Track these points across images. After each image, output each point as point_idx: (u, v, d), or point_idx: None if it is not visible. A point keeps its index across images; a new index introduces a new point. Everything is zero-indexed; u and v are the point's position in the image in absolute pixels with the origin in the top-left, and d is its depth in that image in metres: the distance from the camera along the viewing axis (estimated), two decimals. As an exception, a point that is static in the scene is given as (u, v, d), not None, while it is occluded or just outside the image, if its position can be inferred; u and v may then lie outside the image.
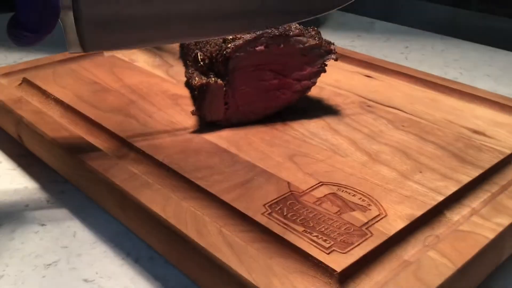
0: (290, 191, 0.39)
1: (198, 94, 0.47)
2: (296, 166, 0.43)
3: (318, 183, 0.40)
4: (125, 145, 0.46)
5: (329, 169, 0.42)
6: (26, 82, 0.57)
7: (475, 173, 0.42)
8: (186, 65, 0.56)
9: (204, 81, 0.47)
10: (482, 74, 0.76)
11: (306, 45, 0.49)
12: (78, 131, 0.48)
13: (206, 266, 0.34)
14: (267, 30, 0.47)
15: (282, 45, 0.48)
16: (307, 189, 0.40)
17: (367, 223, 0.36)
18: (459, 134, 0.48)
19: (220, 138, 0.47)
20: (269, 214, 0.37)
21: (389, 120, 0.51)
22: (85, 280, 0.37)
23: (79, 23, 0.41)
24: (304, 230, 0.35)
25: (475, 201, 0.40)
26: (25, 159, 0.51)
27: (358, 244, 0.34)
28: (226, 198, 0.38)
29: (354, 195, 0.39)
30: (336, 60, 0.50)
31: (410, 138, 0.47)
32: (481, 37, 0.91)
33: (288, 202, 0.38)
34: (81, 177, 0.45)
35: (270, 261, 0.33)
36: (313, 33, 0.50)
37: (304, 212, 0.37)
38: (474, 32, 1.00)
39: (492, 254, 0.36)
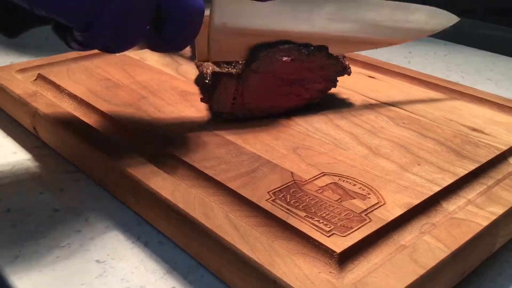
0: (293, 180, 0.41)
1: (209, 82, 0.49)
2: (300, 157, 0.44)
3: (320, 173, 0.42)
4: (136, 137, 0.48)
5: (331, 161, 0.44)
6: (41, 77, 0.60)
7: (471, 166, 0.44)
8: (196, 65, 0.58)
9: (217, 69, 0.49)
10: (483, 79, 0.78)
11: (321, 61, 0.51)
12: (91, 123, 0.50)
13: (212, 247, 0.36)
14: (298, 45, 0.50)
15: (307, 61, 0.50)
16: (310, 179, 0.41)
17: (366, 210, 0.38)
18: (458, 131, 0.50)
19: (227, 131, 0.49)
20: (273, 200, 0.38)
21: (390, 117, 0.53)
22: (97, 261, 0.39)
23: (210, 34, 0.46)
24: (306, 215, 0.37)
25: (471, 193, 0.41)
26: (40, 150, 0.53)
27: (357, 229, 0.36)
28: (232, 185, 0.40)
29: (354, 185, 0.41)
30: (349, 75, 0.53)
31: (410, 134, 0.49)
32: (484, 44, 0.93)
33: (291, 190, 0.40)
34: (93, 166, 0.47)
35: (273, 243, 0.35)
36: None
37: (306, 199, 0.39)
38: (477, 39, 1.02)
39: (485, 241, 0.38)
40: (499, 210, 0.39)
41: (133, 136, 0.48)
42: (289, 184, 0.41)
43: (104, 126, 0.50)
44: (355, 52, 0.71)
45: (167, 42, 0.41)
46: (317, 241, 0.34)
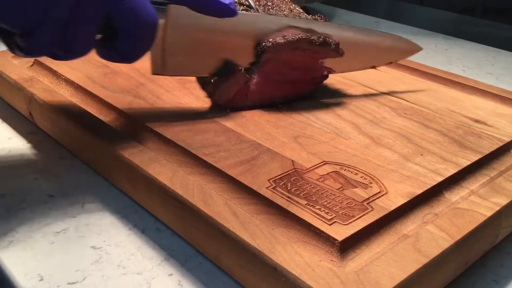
0: (294, 168, 0.40)
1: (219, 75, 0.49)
2: (300, 146, 0.44)
3: (322, 162, 0.41)
4: (134, 123, 0.47)
5: (332, 150, 0.44)
6: (38, 63, 0.58)
7: (474, 157, 0.43)
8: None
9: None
10: (484, 73, 0.77)
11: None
12: (88, 109, 0.49)
13: (211, 234, 0.35)
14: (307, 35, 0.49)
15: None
16: (311, 167, 0.41)
17: (368, 199, 0.37)
18: (460, 122, 0.49)
19: (227, 119, 0.48)
20: (273, 188, 0.38)
21: (392, 108, 0.52)
22: (93, 247, 0.38)
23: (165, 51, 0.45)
24: (307, 203, 0.36)
25: (473, 184, 0.41)
26: (36, 136, 0.52)
27: (359, 217, 0.35)
28: (231, 173, 0.39)
29: (356, 174, 0.40)
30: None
31: (412, 124, 0.49)
32: (484, 39, 0.92)
33: (292, 178, 0.39)
34: (91, 152, 0.46)
35: (273, 231, 0.34)
36: (321, 21, 0.51)
37: (307, 188, 0.38)
38: (478, 35, 1.02)
39: (488, 232, 0.37)
40: (503, 201, 0.38)
41: (130, 122, 0.47)
42: (289, 172, 0.40)
43: (101, 112, 0.49)
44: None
45: (118, 54, 0.41)
46: (318, 229, 0.34)
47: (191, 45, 0.46)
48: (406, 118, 0.50)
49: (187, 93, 0.53)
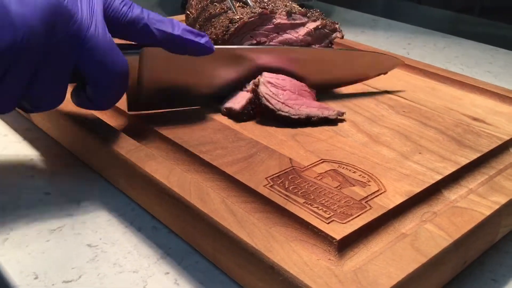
0: (292, 166, 0.40)
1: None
2: (298, 144, 0.43)
3: (319, 160, 0.41)
4: (131, 121, 0.46)
5: (331, 148, 0.43)
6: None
7: (473, 156, 0.43)
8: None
9: None
10: (483, 71, 0.77)
11: (308, 25, 0.50)
12: (85, 106, 0.49)
13: (208, 233, 0.35)
14: (273, 15, 0.49)
15: (283, 21, 0.50)
16: (309, 165, 0.40)
17: (366, 197, 0.37)
18: (459, 120, 0.49)
19: (224, 116, 0.48)
20: (271, 186, 0.37)
21: (390, 105, 0.52)
22: (89, 245, 0.38)
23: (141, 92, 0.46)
24: (305, 202, 0.36)
25: (472, 182, 0.41)
26: (31, 133, 0.52)
27: (357, 216, 0.35)
28: (229, 170, 0.39)
29: (354, 172, 0.40)
30: (342, 37, 0.52)
31: (411, 122, 0.48)
32: (482, 38, 0.92)
33: (290, 176, 0.39)
34: (87, 150, 0.46)
35: (271, 229, 0.34)
36: (316, 14, 0.51)
37: (305, 186, 0.38)
38: (476, 34, 1.02)
39: (487, 231, 0.37)
40: (502, 200, 0.38)
41: (127, 120, 0.47)
42: (287, 170, 0.40)
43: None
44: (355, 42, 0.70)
45: (91, 102, 0.41)
46: (316, 228, 0.33)
47: (166, 84, 0.46)
48: (404, 116, 0.50)
49: (185, 90, 0.52)
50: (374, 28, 0.98)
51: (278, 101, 0.46)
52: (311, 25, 0.50)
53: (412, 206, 0.37)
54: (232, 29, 0.48)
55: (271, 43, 0.50)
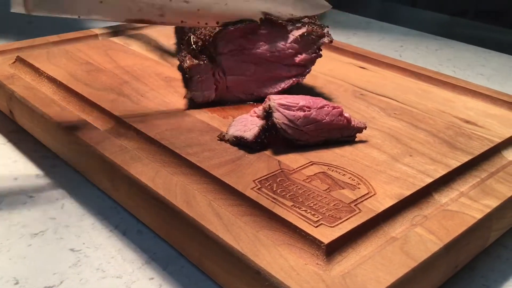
0: (280, 168, 0.39)
1: (188, 76, 0.47)
2: (287, 146, 0.43)
3: (309, 162, 0.40)
4: (116, 122, 0.46)
5: (320, 150, 0.42)
6: (20, 60, 0.57)
7: (464, 158, 0.42)
8: (179, 49, 0.56)
9: (194, 63, 0.47)
10: (475, 73, 0.77)
11: (294, 33, 0.49)
12: (70, 107, 0.48)
13: (194, 237, 0.34)
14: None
15: (269, 30, 0.49)
16: (298, 168, 0.40)
17: (355, 200, 0.36)
18: (451, 123, 0.48)
19: (212, 118, 0.47)
20: (258, 189, 0.37)
21: (381, 108, 0.51)
22: (72, 250, 0.37)
23: None
24: (293, 205, 0.35)
25: (463, 185, 0.40)
26: (16, 135, 0.51)
27: (346, 219, 0.34)
28: (216, 173, 0.38)
29: (344, 175, 0.39)
30: (330, 42, 0.51)
31: (402, 125, 0.48)
32: (476, 42, 0.92)
33: (278, 179, 0.38)
34: (72, 151, 0.45)
35: (258, 233, 0.33)
36: (306, 20, 0.50)
37: (293, 189, 0.37)
38: (469, 37, 1.01)
39: (478, 234, 0.36)
40: (493, 203, 0.37)
41: (113, 121, 0.46)
42: (276, 172, 0.39)
43: (83, 110, 0.48)
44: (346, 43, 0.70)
45: None
46: (304, 232, 0.33)
47: None
48: (395, 118, 0.49)
49: (172, 92, 0.52)
50: (367, 30, 0.97)
51: (297, 128, 0.42)
52: (297, 33, 0.50)
53: (402, 209, 0.36)
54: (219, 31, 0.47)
55: (258, 50, 0.49)
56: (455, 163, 0.41)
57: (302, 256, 0.32)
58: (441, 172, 0.40)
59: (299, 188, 0.37)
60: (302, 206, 0.35)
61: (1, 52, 0.59)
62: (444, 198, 0.38)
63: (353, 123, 0.44)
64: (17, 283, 0.34)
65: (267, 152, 0.41)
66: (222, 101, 0.50)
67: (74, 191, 0.43)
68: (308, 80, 0.54)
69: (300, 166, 0.40)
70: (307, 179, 0.38)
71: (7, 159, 0.48)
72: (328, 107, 0.43)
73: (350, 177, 0.39)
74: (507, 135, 0.46)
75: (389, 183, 0.38)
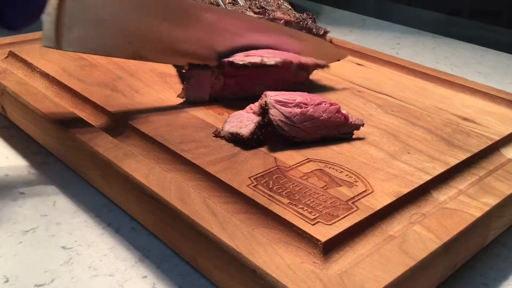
0: (277, 165, 0.39)
1: (187, 77, 0.47)
2: (284, 143, 0.42)
3: (305, 159, 0.40)
4: (110, 118, 0.45)
5: (317, 147, 0.42)
6: (12, 55, 0.56)
7: (463, 156, 0.42)
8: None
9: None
10: (472, 71, 0.76)
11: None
12: (63, 103, 0.47)
13: (188, 234, 0.34)
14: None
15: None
16: (294, 165, 0.39)
17: (353, 198, 0.35)
18: (449, 120, 0.48)
19: (207, 114, 0.46)
20: (254, 186, 0.36)
21: (378, 105, 0.51)
22: (63, 247, 0.36)
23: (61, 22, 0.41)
24: (290, 202, 0.34)
25: (462, 183, 0.39)
26: (8, 131, 0.50)
27: (344, 217, 0.33)
28: (211, 170, 0.38)
29: (341, 172, 0.38)
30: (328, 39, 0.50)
31: (399, 122, 0.47)
32: (471, 40, 0.91)
33: (274, 176, 0.37)
34: (64, 147, 0.44)
35: (253, 231, 0.32)
36: (309, 22, 0.50)
37: (290, 186, 0.36)
38: (465, 36, 1.01)
39: (478, 233, 0.36)
40: (493, 201, 0.37)
41: (106, 116, 0.45)
42: (272, 169, 0.38)
43: (76, 106, 0.47)
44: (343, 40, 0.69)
45: (4, 23, 0.38)
46: (301, 230, 0.32)
47: (93, 20, 0.42)
48: (393, 115, 0.48)
49: (167, 87, 0.51)
50: (363, 27, 0.97)
51: (293, 126, 0.41)
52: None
53: (400, 207, 0.36)
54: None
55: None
56: (453, 161, 0.41)
57: (298, 254, 0.31)
58: (439, 169, 0.39)
59: (295, 186, 0.36)
60: (298, 203, 0.34)
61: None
62: (442, 196, 0.38)
63: (350, 120, 0.43)
64: (7, 281, 0.33)
65: (263, 149, 0.41)
66: (218, 98, 0.49)
67: (66, 188, 0.42)
68: (304, 76, 0.53)
69: (296, 163, 0.39)
70: (303, 176, 0.38)
71: (-2, 155, 0.47)
72: (325, 104, 0.42)
73: (348, 175, 0.38)
74: (506, 133, 0.46)
75: (387, 180, 0.38)
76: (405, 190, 0.37)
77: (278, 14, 0.49)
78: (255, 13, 0.48)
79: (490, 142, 0.44)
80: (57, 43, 0.41)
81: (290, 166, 0.39)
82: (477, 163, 0.42)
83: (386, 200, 0.35)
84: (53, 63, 0.54)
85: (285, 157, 0.40)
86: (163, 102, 0.48)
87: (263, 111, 0.41)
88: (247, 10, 0.50)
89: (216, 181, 0.37)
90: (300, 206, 0.34)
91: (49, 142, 0.46)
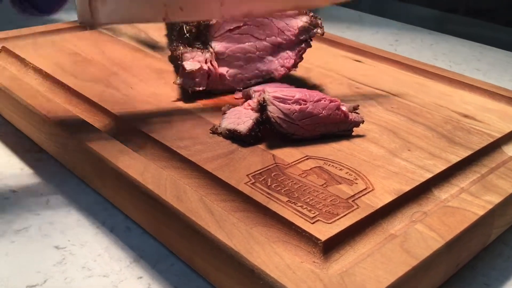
0: (275, 163, 0.38)
1: (180, 62, 0.46)
2: (282, 139, 0.41)
3: (304, 156, 0.39)
4: (104, 114, 0.44)
5: (316, 144, 0.41)
6: (5, 51, 0.55)
7: (464, 153, 0.41)
8: (170, 40, 0.55)
9: (187, 49, 0.46)
10: (471, 68, 0.76)
11: (296, 22, 0.48)
12: (57, 99, 0.46)
13: (184, 233, 0.33)
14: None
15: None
16: (293, 162, 0.38)
17: (353, 196, 0.35)
18: (449, 117, 0.47)
19: (204, 110, 0.45)
20: (252, 184, 0.35)
21: (378, 101, 0.50)
22: (56, 247, 0.35)
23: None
24: (288, 201, 0.34)
25: (464, 181, 0.39)
26: (0, 128, 0.49)
27: (344, 215, 0.33)
28: (208, 167, 0.37)
29: (341, 169, 0.38)
30: (322, 34, 0.49)
31: (399, 119, 0.46)
32: (469, 37, 0.91)
33: (273, 173, 0.37)
34: (57, 145, 0.43)
35: (252, 230, 0.32)
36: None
37: (289, 184, 0.35)
38: (462, 33, 1.00)
39: (480, 231, 0.35)
40: (496, 199, 0.36)
41: (100, 113, 0.44)
42: (270, 167, 0.37)
43: (70, 102, 0.46)
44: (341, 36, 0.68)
45: (36, 6, 0.38)
46: (300, 228, 0.31)
47: None
48: (392, 112, 0.48)
49: (163, 83, 0.50)
50: (360, 24, 0.96)
51: (292, 123, 0.40)
52: (299, 23, 0.48)
53: (401, 205, 0.35)
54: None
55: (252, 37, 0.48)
56: (454, 158, 0.40)
57: (298, 253, 0.30)
58: (440, 167, 0.39)
59: (294, 183, 0.36)
60: (297, 201, 0.34)
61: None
62: (444, 194, 0.37)
63: (350, 117, 0.42)
64: (-2, 282, 0.32)
65: (261, 146, 0.40)
66: (215, 90, 0.48)
67: (59, 186, 0.41)
68: (303, 73, 0.52)
69: (295, 161, 0.38)
70: (302, 173, 0.37)
71: (-10, 152, 0.46)
72: (325, 101, 0.42)
73: (347, 172, 0.37)
74: (507, 130, 0.45)
75: (388, 178, 0.37)
76: (406, 188, 0.36)
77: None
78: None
79: (491, 140, 0.43)
80: (93, 18, 0.41)
81: (289, 164, 0.38)
82: (478, 161, 0.41)
83: (387, 198, 0.35)
84: (47, 58, 0.53)
85: (284, 154, 0.39)
86: (158, 98, 0.47)
87: (261, 108, 0.40)
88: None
89: (213, 179, 0.36)
90: (299, 204, 0.33)
91: (42, 139, 0.45)
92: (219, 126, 0.41)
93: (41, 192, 0.41)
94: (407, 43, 0.85)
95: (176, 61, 0.49)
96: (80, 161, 0.41)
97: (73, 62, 0.53)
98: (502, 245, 0.39)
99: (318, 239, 0.30)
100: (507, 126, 0.46)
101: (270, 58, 0.49)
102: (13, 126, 0.49)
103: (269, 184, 0.35)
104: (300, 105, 0.40)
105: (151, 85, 0.49)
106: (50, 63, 0.52)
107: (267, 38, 0.49)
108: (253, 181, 0.35)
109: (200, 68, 0.46)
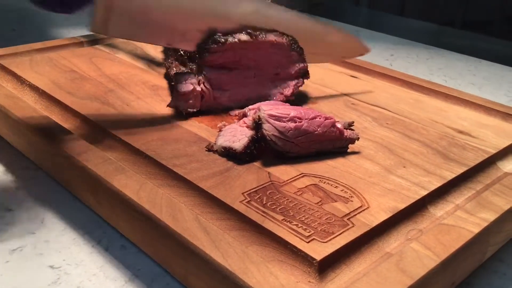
0: (270, 180, 0.38)
1: (174, 83, 0.46)
2: (277, 157, 0.41)
3: (300, 174, 0.39)
4: (100, 132, 0.44)
5: (311, 161, 0.41)
6: (1, 68, 0.55)
7: (459, 170, 0.41)
8: (166, 56, 0.55)
9: (180, 69, 0.46)
10: (466, 83, 0.76)
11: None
12: (53, 117, 0.46)
13: (179, 253, 0.33)
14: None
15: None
16: (288, 180, 0.38)
17: (349, 214, 0.35)
18: (444, 133, 0.47)
19: (200, 127, 0.45)
20: (247, 202, 0.35)
21: (373, 117, 0.50)
22: (51, 267, 0.35)
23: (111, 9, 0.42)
24: (284, 219, 0.34)
25: (459, 198, 0.39)
26: (-4, 145, 0.49)
27: (339, 234, 0.33)
28: (203, 185, 0.37)
29: (336, 187, 0.38)
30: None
31: (394, 135, 0.46)
32: (465, 50, 0.91)
33: (268, 191, 0.37)
34: (53, 162, 0.43)
35: (247, 249, 0.31)
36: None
37: (284, 202, 0.35)
38: (458, 46, 1.01)
39: (476, 249, 0.35)
40: (491, 217, 0.36)
41: (96, 130, 0.44)
42: (265, 185, 0.37)
43: (66, 120, 0.46)
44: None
45: (57, 5, 0.39)
46: (295, 247, 0.31)
47: (140, 9, 0.43)
48: (388, 128, 0.48)
49: (159, 100, 0.50)
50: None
51: (287, 141, 0.40)
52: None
53: (396, 223, 0.35)
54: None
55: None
56: (449, 175, 0.40)
57: (293, 273, 0.30)
58: (435, 184, 0.39)
59: (290, 201, 0.36)
60: (293, 220, 0.34)
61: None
62: (439, 211, 0.37)
63: (345, 134, 0.43)
64: (-8, 303, 0.32)
65: (257, 164, 0.40)
66: (210, 110, 0.48)
67: (55, 205, 0.41)
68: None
69: (290, 178, 0.38)
70: (298, 191, 0.37)
71: (-14, 170, 0.46)
72: (320, 118, 0.42)
73: (343, 190, 0.37)
74: (502, 146, 0.45)
75: (383, 195, 0.37)
76: (402, 205, 0.36)
77: (271, 36, 0.48)
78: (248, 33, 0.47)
79: (486, 156, 0.43)
80: (105, 30, 0.42)
81: (284, 181, 0.38)
82: (473, 177, 0.41)
83: (383, 216, 0.35)
84: (43, 75, 0.53)
85: (279, 172, 0.39)
86: (154, 115, 0.47)
87: (257, 126, 0.40)
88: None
89: (208, 197, 0.36)
90: (295, 222, 0.33)
91: (37, 156, 0.45)
92: (215, 143, 0.42)
93: (36, 211, 0.41)
94: (403, 58, 0.86)
95: (170, 80, 0.49)
96: (75, 179, 0.41)
97: (69, 79, 0.53)
98: (497, 262, 0.39)
99: (314, 259, 0.30)
100: (502, 142, 0.46)
101: (269, 83, 0.50)
102: (9, 143, 0.49)
103: (264, 202, 0.35)
104: (295, 122, 0.40)
105: (147, 102, 0.49)
106: (47, 81, 0.52)
107: (265, 70, 0.49)
108: (249, 199, 0.35)
109: (193, 90, 0.46)
